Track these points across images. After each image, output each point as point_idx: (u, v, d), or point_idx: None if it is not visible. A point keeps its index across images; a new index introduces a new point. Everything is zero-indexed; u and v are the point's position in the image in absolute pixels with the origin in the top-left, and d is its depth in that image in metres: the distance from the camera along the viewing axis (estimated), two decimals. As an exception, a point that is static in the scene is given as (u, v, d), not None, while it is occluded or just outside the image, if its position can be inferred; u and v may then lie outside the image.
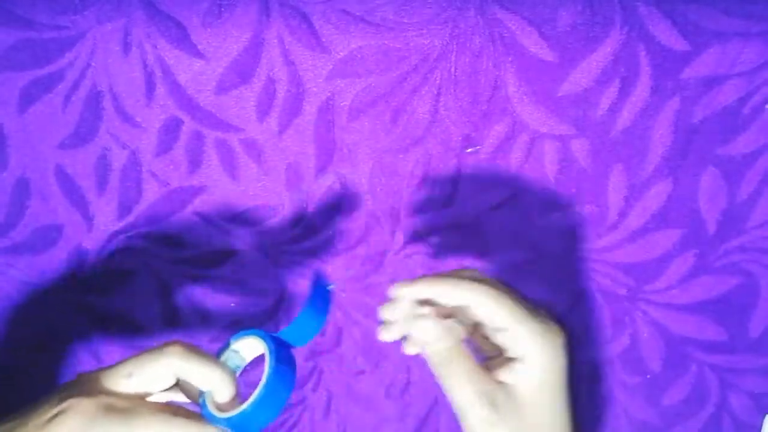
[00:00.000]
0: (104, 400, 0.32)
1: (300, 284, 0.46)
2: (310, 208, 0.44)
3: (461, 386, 0.33)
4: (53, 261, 0.44)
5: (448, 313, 0.35)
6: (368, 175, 0.43)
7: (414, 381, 0.48)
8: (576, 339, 0.46)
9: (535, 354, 0.32)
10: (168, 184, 0.43)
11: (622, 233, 0.44)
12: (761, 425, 0.47)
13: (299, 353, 0.48)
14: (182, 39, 0.40)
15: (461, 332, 0.34)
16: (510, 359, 0.33)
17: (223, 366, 0.34)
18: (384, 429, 0.50)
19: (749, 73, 0.40)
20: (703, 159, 0.42)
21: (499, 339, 0.33)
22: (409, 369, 0.48)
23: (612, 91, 0.41)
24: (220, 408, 0.34)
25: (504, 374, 0.33)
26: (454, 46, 0.40)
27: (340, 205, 0.44)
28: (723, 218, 0.43)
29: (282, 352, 0.34)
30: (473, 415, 0.33)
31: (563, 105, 0.41)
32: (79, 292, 0.45)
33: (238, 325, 0.48)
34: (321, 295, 0.37)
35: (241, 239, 0.44)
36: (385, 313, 0.35)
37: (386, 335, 0.35)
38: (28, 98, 0.41)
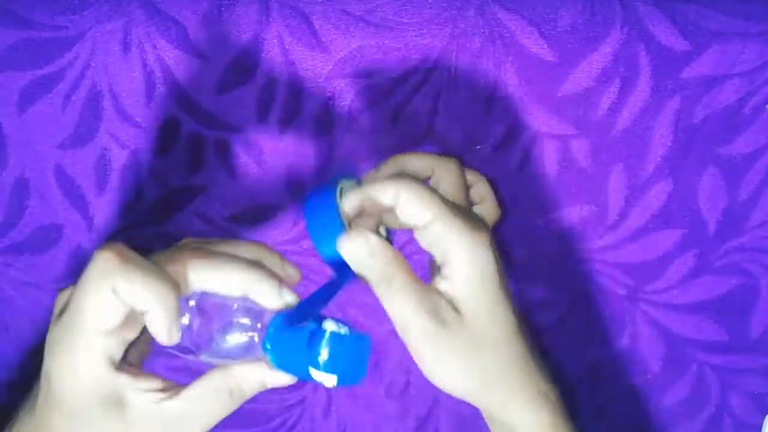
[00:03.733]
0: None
1: (299, 283, 0.46)
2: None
3: (402, 301, 0.31)
4: (53, 261, 0.44)
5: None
6: (368, 175, 0.43)
7: (414, 381, 0.48)
8: (576, 339, 0.46)
9: (460, 253, 0.31)
10: (167, 183, 0.43)
11: (622, 233, 0.44)
12: (762, 425, 0.47)
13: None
14: (182, 39, 0.39)
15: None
16: (440, 266, 0.32)
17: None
18: (384, 429, 0.50)
19: (750, 73, 0.40)
20: (703, 159, 0.42)
21: (425, 243, 0.32)
22: (409, 369, 0.48)
23: (612, 91, 0.41)
24: None
25: (438, 283, 0.32)
26: (454, 46, 0.40)
27: (340, 205, 0.44)
28: (723, 218, 0.43)
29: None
30: (416, 328, 0.31)
31: (563, 105, 0.41)
32: (79, 292, 0.45)
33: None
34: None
35: (241, 239, 0.44)
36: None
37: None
38: (27, 98, 0.41)
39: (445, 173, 0.36)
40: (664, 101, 0.41)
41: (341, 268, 0.32)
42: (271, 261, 0.34)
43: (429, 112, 0.41)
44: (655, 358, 0.46)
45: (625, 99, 0.41)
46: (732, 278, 0.45)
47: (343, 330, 0.30)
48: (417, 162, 0.37)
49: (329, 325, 0.30)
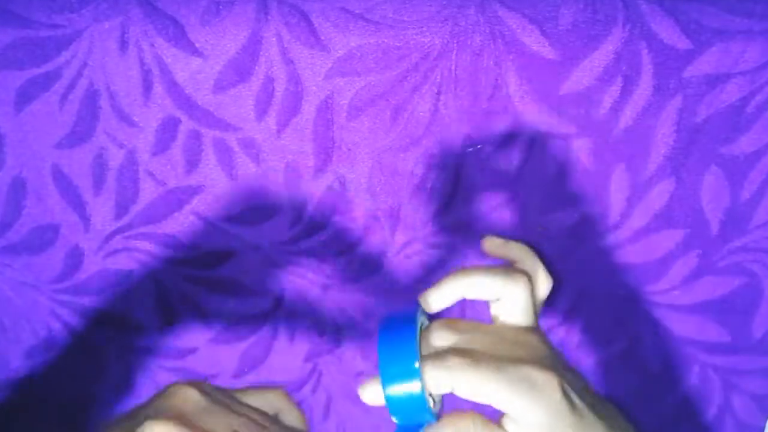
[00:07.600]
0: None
1: (298, 284, 0.46)
2: (310, 208, 0.43)
3: None
4: (50, 261, 0.44)
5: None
6: (368, 174, 0.43)
7: (414, 382, 0.48)
8: (577, 340, 0.46)
9: (524, 410, 0.31)
10: (165, 183, 0.43)
11: (624, 233, 0.43)
12: (764, 426, 0.47)
13: (298, 354, 0.48)
14: (180, 37, 0.39)
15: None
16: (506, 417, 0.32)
17: None
18: (383, 429, 0.49)
19: (752, 71, 0.40)
20: (706, 158, 0.42)
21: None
22: (409, 370, 0.47)
23: (614, 90, 0.40)
24: None
25: (506, 425, 0.32)
26: (455, 44, 0.39)
27: (339, 205, 0.43)
28: (726, 218, 0.43)
29: None
30: None
31: (565, 104, 0.41)
32: (76, 292, 0.45)
33: (236, 326, 0.47)
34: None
35: (240, 239, 0.44)
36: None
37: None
38: (24, 97, 0.40)
39: (512, 296, 0.35)
40: (667, 100, 0.40)
41: (405, 410, 0.32)
42: (289, 416, 0.37)
43: (429, 112, 0.41)
44: (657, 358, 0.46)
45: (627, 98, 0.40)
46: (735, 278, 0.44)
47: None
48: (483, 283, 0.35)
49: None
